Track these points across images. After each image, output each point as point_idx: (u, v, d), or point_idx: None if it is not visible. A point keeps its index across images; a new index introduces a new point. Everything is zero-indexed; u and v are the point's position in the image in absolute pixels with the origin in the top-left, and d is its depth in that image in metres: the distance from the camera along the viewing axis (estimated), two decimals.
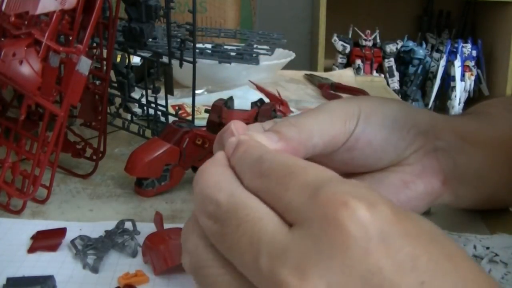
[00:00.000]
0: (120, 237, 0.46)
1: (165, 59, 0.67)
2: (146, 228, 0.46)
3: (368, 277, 0.23)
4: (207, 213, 0.27)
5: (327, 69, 2.26)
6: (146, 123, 0.72)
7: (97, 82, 0.62)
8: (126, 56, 0.69)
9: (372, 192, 0.25)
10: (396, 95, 1.25)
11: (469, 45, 2.46)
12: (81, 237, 0.45)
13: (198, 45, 0.97)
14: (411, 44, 2.51)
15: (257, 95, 0.82)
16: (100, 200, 0.55)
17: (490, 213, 0.50)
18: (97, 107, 0.61)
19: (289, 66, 1.09)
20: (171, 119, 0.68)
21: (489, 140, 0.44)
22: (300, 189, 0.25)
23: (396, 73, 2.46)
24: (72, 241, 0.45)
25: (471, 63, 2.46)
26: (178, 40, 0.66)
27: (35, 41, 0.48)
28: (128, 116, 0.73)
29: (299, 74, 1.16)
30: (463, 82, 2.45)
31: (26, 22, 0.49)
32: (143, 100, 0.71)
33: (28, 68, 0.47)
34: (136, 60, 0.80)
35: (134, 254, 0.44)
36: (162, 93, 0.68)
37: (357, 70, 2.33)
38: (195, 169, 0.57)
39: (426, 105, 2.52)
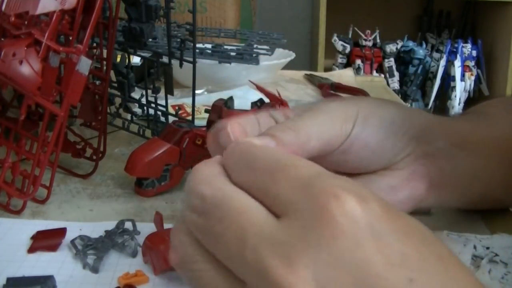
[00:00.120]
0: (120, 237, 0.46)
1: (165, 59, 0.67)
2: (146, 228, 0.46)
3: (356, 270, 0.22)
4: (192, 207, 0.27)
5: (327, 69, 2.26)
6: (146, 123, 0.72)
7: (97, 82, 0.62)
8: (126, 56, 0.69)
9: (364, 189, 0.24)
10: (396, 95, 1.25)
11: (469, 45, 2.46)
12: (81, 237, 0.45)
13: (198, 45, 0.97)
14: (411, 44, 2.51)
15: (257, 95, 0.82)
16: (100, 200, 0.55)
17: (490, 213, 0.50)
18: (97, 107, 0.61)
19: (289, 66, 1.09)
20: (171, 119, 0.68)
21: (484, 141, 0.44)
22: (290, 182, 0.25)
23: (396, 73, 2.46)
24: (72, 241, 0.45)
25: (471, 63, 2.46)
26: (178, 40, 0.66)
27: (35, 41, 0.48)
28: (128, 116, 0.73)
29: (299, 74, 1.16)
30: (463, 82, 2.45)
31: (26, 22, 0.49)
32: (143, 100, 0.71)
33: (28, 68, 0.47)
34: (136, 60, 0.80)
35: (134, 254, 0.44)
36: (162, 93, 0.68)
37: (357, 70, 2.33)
38: None
39: (426, 105, 2.52)
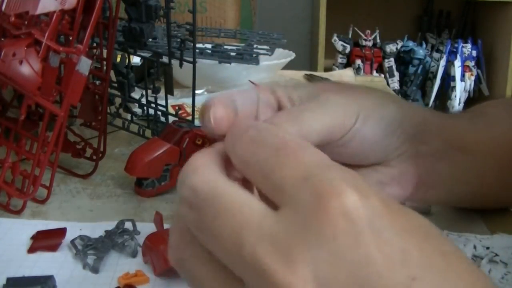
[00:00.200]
0: (120, 237, 0.46)
1: (165, 59, 0.67)
2: (146, 228, 0.46)
3: (356, 268, 0.22)
4: (183, 199, 0.26)
5: (327, 69, 2.26)
6: (146, 123, 0.72)
7: (97, 82, 0.62)
8: (126, 56, 0.69)
9: (366, 184, 0.24)
10: (396, 95, 1.25)
11: (469, 45, 2.46)
12: (81, 237, 0.45)
13: (198, 45, 0.97)
14: (411, 44, 2.51)
15: None
16: (100, 200, 0.55)
17: (490, 213, 0.50)
18: (97, 107, 0.61)
19: (289, 66, 1.09)
20: (171, 119, 0.68)
21: (482, 141, 0.44)
22: (295, 168, 0.24)
23: (396, 73, 2.46)
24: (72, 241, 0.45)
25: (471, 63, 2.46)
26: (178, 40, 0.66)
27: (35, 41, 0.48)
28: (128, 116, 0.73)
29: (299, 74, 1.16)
30: (463, 82, 2.45)
31: (26, 22, 0.49)
32: (143, 100, 0.71)
33: (28, 68, 0.47)
34: (136, 60, 0.80)
35: (134, 254, 0.44)
36: (162, 93, 0.68)
37: (357, 70, 2.33)
38: None
39: (426, 105, 2.52)
